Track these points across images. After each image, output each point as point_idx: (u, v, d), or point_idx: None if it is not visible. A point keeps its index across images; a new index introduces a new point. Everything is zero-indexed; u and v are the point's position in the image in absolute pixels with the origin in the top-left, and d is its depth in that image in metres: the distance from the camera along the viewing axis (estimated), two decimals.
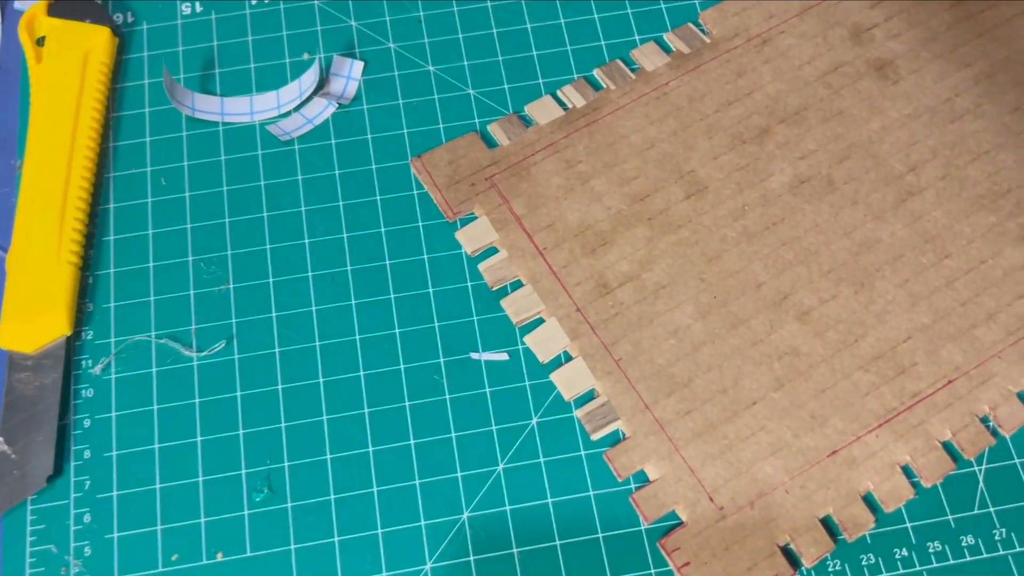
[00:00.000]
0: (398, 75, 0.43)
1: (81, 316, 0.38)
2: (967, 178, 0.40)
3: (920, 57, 0.42)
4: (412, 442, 0.36)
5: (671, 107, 0.41)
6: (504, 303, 0.38)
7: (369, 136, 0.42)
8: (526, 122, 0.42)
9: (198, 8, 0.45)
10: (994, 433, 0.36)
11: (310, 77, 0.42)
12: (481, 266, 0.39)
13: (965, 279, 0.38)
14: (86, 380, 0.37)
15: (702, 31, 0.43)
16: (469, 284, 0.39)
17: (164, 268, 0.39)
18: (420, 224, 0.40)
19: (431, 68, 0.43)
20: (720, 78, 0.42)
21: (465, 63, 0.43)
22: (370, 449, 0.36)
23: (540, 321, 0.38)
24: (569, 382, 0.37)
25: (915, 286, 0.38)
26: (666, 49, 0.43)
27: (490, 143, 0.41)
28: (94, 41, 0.42)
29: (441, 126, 0.42)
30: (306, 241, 0.40)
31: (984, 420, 0.36)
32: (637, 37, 0.44)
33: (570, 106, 0.42)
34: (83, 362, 0.38)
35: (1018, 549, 0.35)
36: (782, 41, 0.43)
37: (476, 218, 0.40)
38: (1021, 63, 0.42)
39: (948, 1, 0.43)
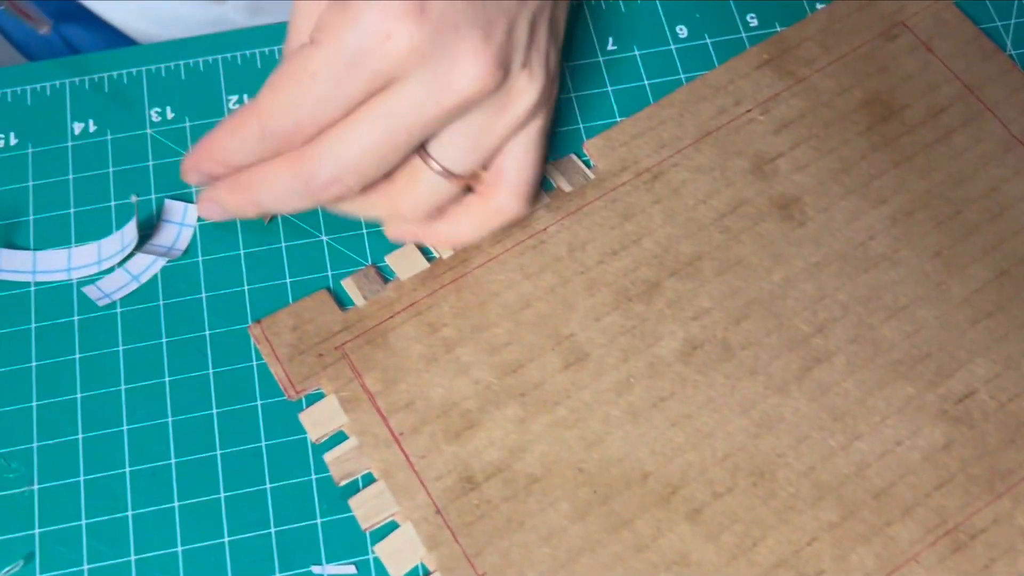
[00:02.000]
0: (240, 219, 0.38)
1: None
2: (882, 340, 0.35)
3: (830, 192, 0.37)
4: None
5: (550, 257, 0.36)
6: (352, 503, 0.33)
7: (204, 295, 0.36)
8: (387, 276, 0.36)
9: (12, 140, 0.39)
10: None
11: (133, 226, 0.36)
12: (327, 456, 0.34)
13: (878, 465, 0.33)
14: None
15: (587, 164, 0.38)
16: (314, 478, 0.34)
17: None
18: (259, 403, 0.35)
19: None
20: (605, 222, 0.37)
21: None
22: None
23: (394, 525, 0.33)
24: None
25: (822, 475, 0.33)
26: (546, 186, 0.38)
27: (344, 303, 0.36)
28: None
29: (288, 281, 0.37)
30: (124, 428, 0.34)
31: None
32: None
33: (436, 256, 0.37)
34: None
35: None
36: (675, 176, 0.38)
37: (324, 396, 0.34)
38: (943, 198, 0.37)
39: (862, 125, 0.39)
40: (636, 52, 0.41)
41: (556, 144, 0.39)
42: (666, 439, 0.33)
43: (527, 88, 0.32)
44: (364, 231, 0.37)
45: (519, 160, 0.34)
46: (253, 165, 0.33)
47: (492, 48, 0.31)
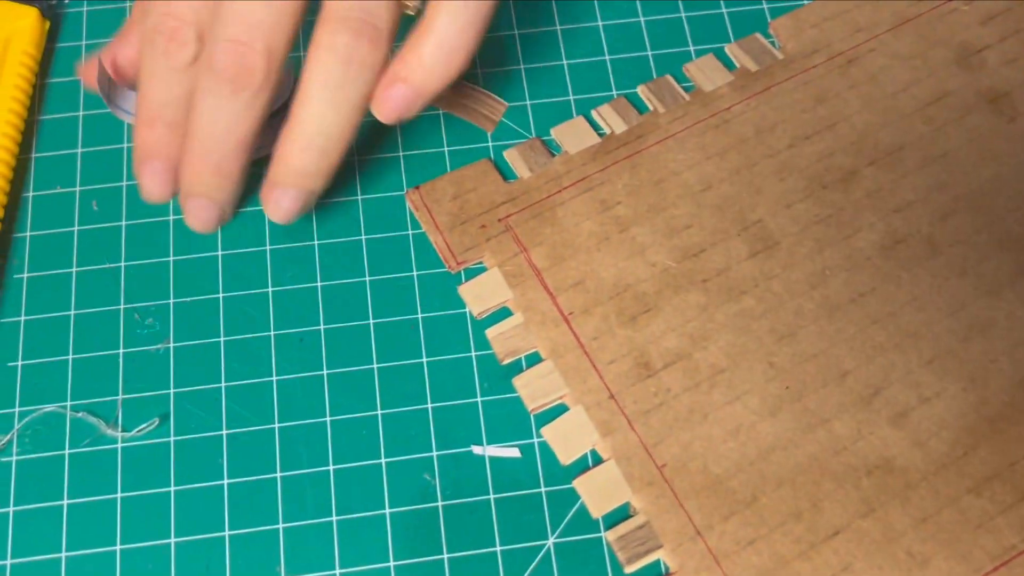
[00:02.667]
0: None
1: None
2: None
3: None
4: (391, 564, 0.28)
5: (734, 138, 0.33)
6: (517, 382, 0.30)
7: (355, 158, 0.33)
8: (552, 149, 0.33)
9: None
10: None
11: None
12: (490, 332, 0.31)
13: None
14: None
15: (773, 44, 0.35)
16: (474, 354, 0.31)
17: (88, 318, 0.31)
18: (415, 274, 0.32)
19: None
20: (796, 104, 0.34)
21: (479, 70, 0.35)
22: (337, 572, 0.28)
23: (563, 408, 0.30)
24: (598, 493, 0.29)
25: None
26: (728, 65, 0.35)
27: (507, 174, 0.33)
28: (18, 25, 0.34)
29: (447, 149, 0.34)
30: (269, 289, 0.31)
31: None
32: (692, 48, 0.35)
33: (607, 131, 0.34)
34: None
35: None
36: (872, 61, 0.34)
37: (486, 269, 0.31)
38: None
39: None
40: None
41: (738, 23, 0.36)
42: (866, 336, 0.30)
43: None
44: (528, 102, 0.34)
45: None
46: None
47: None
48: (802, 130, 0.33)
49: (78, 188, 0.33)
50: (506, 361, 0.30)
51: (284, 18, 0.26)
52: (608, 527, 0.28)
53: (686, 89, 0.34)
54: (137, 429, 0.29)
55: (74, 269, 0.31)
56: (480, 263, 0.32)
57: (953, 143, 0.33)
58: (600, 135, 0.34)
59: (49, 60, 0.35)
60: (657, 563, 0.28)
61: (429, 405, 0.30)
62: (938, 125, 0.33)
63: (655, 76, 0.35)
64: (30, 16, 0.34)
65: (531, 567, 0.28)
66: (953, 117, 0.33)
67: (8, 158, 0.32)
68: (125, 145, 0.33)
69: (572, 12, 0.36)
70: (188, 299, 0.31)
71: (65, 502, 0.28)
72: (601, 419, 0.29)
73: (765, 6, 0.36)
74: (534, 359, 0.30)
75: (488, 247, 0.32)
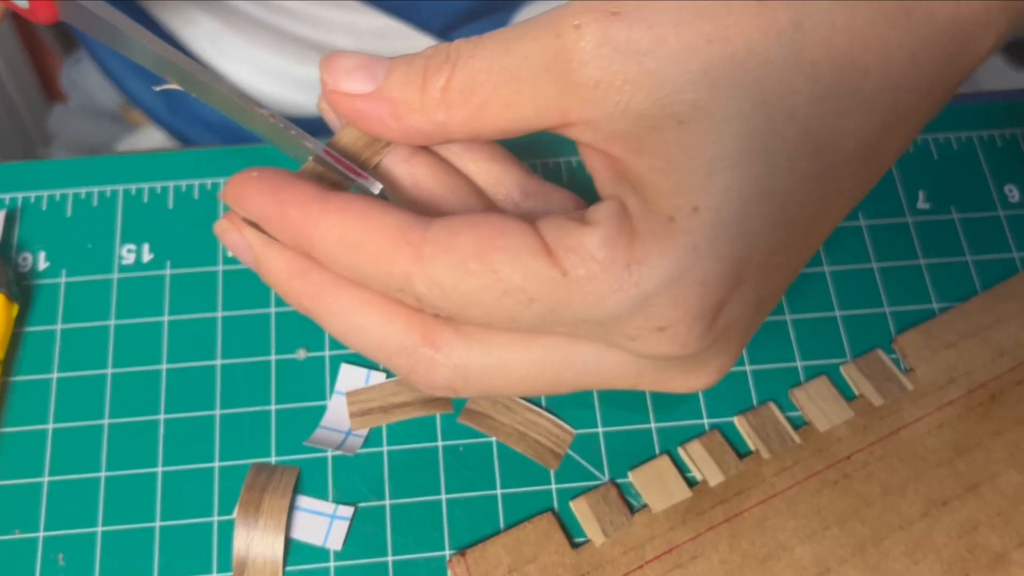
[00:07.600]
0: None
1: None
2: None
3: None
4: None
5: (857, 500, 0.27)
6: None
7: (387, 502, 0.27)
8: (630, 498, 0.27)
9: (146, 256, 0.30)
10: None
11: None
12: None
13: None
14: None
15: (898, 364, 0.29)
16: None
17: None
18: None
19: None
20: (930, 455, 0.28)
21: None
22: None
23: None
24: None
25: None
26: (844, 391, 0.29)
27: (574, 531, 0.27)
28: None
29: (500, 492, 0.27)
30: None
31: None
32: (799, 364, 0.29)
33: (699, 478, 0.27)
34: None
35: None
36: (1021, 398, 0.28)
37: None
38: None
39: None
40: (954, 215, 0.31)
41: (855, 329, 0.30)
42: None
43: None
44: (600, 428, 0.28)
45: None
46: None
47: (727, 368, 0.23)
48: (938, 492, 0.27)
49: (41, 533, 0.26)
50: None
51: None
52: None
53: (794, 423, 0.28)
54: None
55: None
56: None
57: None
58: (690, 482, 0.27)
59: (15, 351, 0.28)
60: None
61: None
62: None
63: (755, 399, 0.28)
64: None
65: None
66: None
67: None
68: (103, 474, 0.27)
69: None
70: None
71: None
72: None
73: (887, 309, 0.30)
74: None
75: None
